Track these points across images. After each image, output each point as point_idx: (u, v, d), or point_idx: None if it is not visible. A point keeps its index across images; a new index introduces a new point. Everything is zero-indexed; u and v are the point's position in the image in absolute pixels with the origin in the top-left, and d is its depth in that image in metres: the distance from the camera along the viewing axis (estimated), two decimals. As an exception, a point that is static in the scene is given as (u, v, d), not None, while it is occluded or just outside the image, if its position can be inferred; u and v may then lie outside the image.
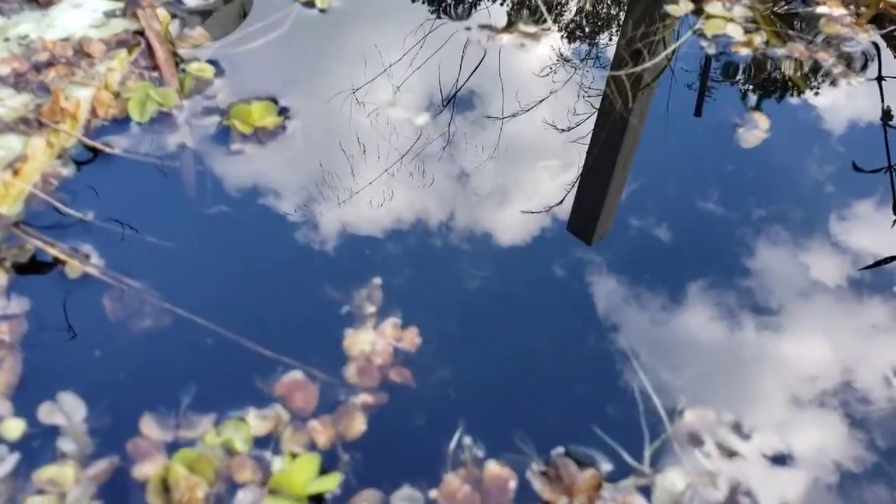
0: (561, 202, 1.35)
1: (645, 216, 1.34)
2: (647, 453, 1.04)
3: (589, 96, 1.56)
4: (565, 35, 1.74)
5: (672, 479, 1.01)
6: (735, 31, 1.72)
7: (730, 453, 1.05)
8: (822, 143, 1.52)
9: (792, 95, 1.63)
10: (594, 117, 1.52)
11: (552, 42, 1.69)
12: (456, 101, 1.52)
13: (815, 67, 1.68)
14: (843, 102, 1.62)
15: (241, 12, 1.67)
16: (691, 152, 1.51)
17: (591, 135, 1.48)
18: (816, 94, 1.63)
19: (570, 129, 1.49)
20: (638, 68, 1.61)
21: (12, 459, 0.97)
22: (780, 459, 1.05)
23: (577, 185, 1.39)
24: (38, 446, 0.99)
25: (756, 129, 1.52)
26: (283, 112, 1.45)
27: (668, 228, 1.33)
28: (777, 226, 1.34)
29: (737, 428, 1.07)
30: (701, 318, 1.20)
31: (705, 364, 1.15)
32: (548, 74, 1.61)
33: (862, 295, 1.25)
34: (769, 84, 1.65)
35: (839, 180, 1.44)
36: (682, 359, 1.15)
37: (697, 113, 1.58)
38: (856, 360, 1.16)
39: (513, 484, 0.99)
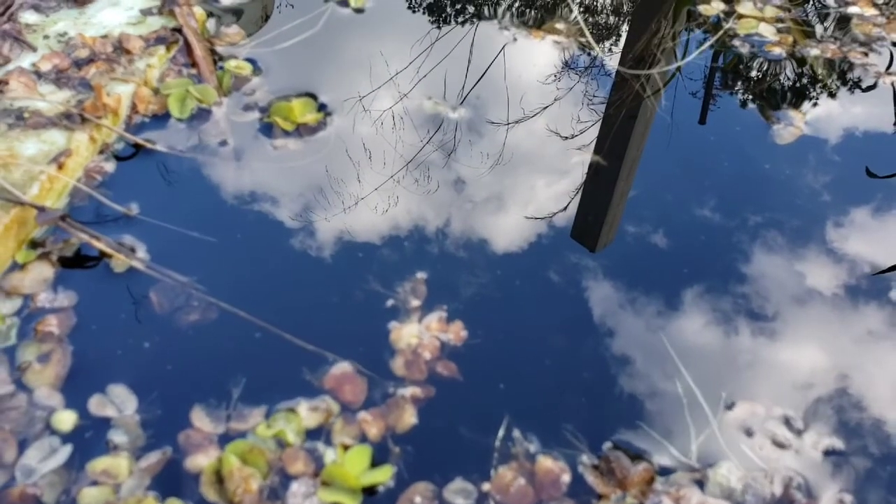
0: (576, 190, 1.35)
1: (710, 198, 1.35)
2: (694, 447, 1.04)
3: (608, 89, 1.57)
4: (595, 33, 1.74)
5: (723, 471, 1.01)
6: (767, 31, 1.72)
7: (781, 445, 1.04)
8: (853, 141, 1.52)
9: (824, 95, 1.63)
10: (623, 114, 1.52)
11: (582, 40, 1.69)
12: (487, 97, 1.53)
13: (847, 66, 1.68)
14: (875, 101, 1.61)
15: (264, 15, 1.68)
16: (729, 141, 1.51)
17: (621, 128, 1.48)
18: (849, 92, 1.63)
19: (598, 121, 1.49)
20: (670, 67, 1.61)
21: (65, 451, 0.98)
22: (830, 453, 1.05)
23: (590, 175, 1.39)
24: (90, 438, 0.99)
25: (791, 127, 1.52)
26: (322, 108, 1.45)
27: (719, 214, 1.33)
28: (774, 231, 1.33)
29: (787, 422, 1.07)
30: (699, 322, 1.19)
31: (743, 360, 1.15)
32: (572, 71, 1.61)
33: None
34: (801, 83, 1.65)
35: (868, 181, 1.44)
36: (721, 359, 1.15)
37: (701, 110, 1.58)
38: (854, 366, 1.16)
39: (566, 478, 0.99)
